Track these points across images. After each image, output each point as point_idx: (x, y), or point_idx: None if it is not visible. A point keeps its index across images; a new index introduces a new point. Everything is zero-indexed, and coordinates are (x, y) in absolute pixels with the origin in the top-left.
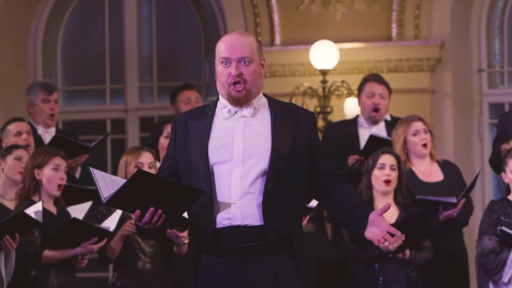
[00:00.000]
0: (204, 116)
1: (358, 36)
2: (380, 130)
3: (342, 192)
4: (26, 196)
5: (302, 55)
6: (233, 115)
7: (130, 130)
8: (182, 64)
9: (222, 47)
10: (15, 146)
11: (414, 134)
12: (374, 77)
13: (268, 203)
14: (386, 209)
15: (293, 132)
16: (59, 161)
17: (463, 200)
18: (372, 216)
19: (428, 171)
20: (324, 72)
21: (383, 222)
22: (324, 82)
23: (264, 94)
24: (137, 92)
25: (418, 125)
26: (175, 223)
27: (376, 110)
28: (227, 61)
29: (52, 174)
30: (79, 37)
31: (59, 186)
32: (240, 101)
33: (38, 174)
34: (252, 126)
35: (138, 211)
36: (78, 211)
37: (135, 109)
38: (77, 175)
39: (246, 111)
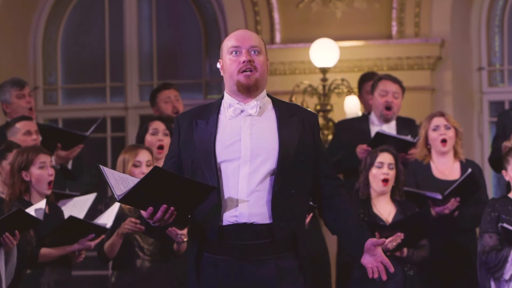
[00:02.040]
0: (209, 115)
1: (358, 34)
2: (391, 128)
3: (341, 208)
4: (18, 198)
5: (302, 53)
6: (239, 114)
7: (130, 128)
8: (182, 62)
9: (232, 40)
10: (8, 149)
11: (434, 130)
12: (389, 76)
13: (277, 201)
14: (381, 243)
15: (299, 131)
16: (43, 158)
17: (456, 199)
18: (368, 244)
19: (446, 169)
20: (324, 70)
21: (378, 251)
22: (324, 80)
23: (268, 94)
24: (137, 90)
25: (438, 121)
26: (183, 220)
27: (388, 108)
28: (237, 50)
29: (40, 173)
30: (79, 35)
31: (49, 183)
32: (250, 88)
33: (26, 176)
34: (259, 125)
35: (150, 208)
36: (78, 208)
37: (135, 107)
38: (69, 166)
39: (251, 110)
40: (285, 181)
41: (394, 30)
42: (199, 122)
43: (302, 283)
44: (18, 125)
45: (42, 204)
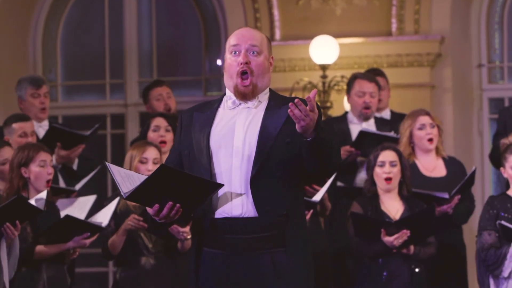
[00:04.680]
0: (209, 108)
1: (358, 31)
2: (370, 126)
3: None
4: (15, 194)
5: (302, 50)
6: (237, 106)
7: (130, 125)
8: (182, 59)
9: (233, 38)
10: None
11: (420, 128)
12: (364, 75)
13: (257, 185)
14: (313, 94)
15: (286, 116)
16: (44, 156)
17: (458, 196)
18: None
19: (431, 166)
20: (324, 67)
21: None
22: (324, 77)
23: (271, 90)
24: (137, 87)
25: (424, 119)
26: (189, 216)
27: (367, 107)
28: (236, 50)
29: (39, 171)
30: (79, 32)
31: (48, 181)
32: (246, 95)
33: (25, 172)
34: (253, 117)
35: (156, 206)
36: (78, 209)
37: (135, 104)
38: (74, 166)
39: (250, 103)
40: (266, 164)
41: (394, 27)
42: (199, 114)
43: (300, 279)
44: (15, 125)
45: (43, 194)
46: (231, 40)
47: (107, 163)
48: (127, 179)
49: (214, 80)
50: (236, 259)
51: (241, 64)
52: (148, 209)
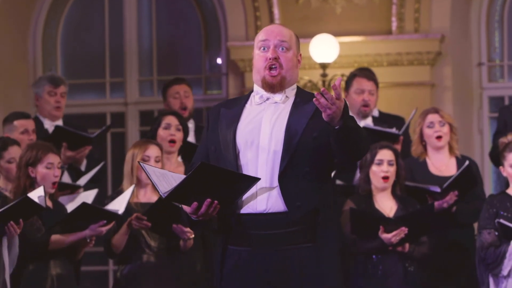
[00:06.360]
0: (236, 104)
1: (358, 30)
2: (368, 124)
3: None
4: (22, 193)
5: (302, 49)
6: (265, 101)
7: (130, 124)
8: (182, 57)
9: (261, 34)
10: (3, 147)
11: (429, 126)
12: (363, 73)
13: (286, 181)
14: (338, 82)
15: (313, 111)
16: (52, 158)
17: (454, 192)
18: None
19: (442, 165)
20: (324, 66)
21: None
22: (324, 75)
23: (298, 87)
24: (137, 86)
25: (433, 117)
26: (225, 212)
27: (366, 105)
28: (265, 46)
29: (46, 172)
30: (79, 30)
31: (54, 183)
32: (273, 86)
33: (32, 172)
34: (280, 112)
35: (195, 204)
36: (85, 198)
37: (135, 102)
38: (83, 168)
39: (277, 97)
40: (294, 159)
41: (394, 25)
42: (226, 110)
43: (328, 275)
44: (16, 123)
45: (40, 191)
46: (260, 36)
47: (141, 163)
48: (162, 178)
49: (214, 78)
50: (262, 255)
51: (270, 59)
52: (185, 207)
